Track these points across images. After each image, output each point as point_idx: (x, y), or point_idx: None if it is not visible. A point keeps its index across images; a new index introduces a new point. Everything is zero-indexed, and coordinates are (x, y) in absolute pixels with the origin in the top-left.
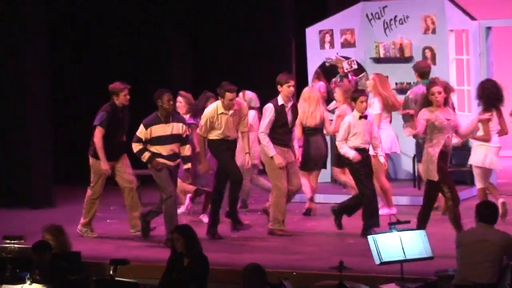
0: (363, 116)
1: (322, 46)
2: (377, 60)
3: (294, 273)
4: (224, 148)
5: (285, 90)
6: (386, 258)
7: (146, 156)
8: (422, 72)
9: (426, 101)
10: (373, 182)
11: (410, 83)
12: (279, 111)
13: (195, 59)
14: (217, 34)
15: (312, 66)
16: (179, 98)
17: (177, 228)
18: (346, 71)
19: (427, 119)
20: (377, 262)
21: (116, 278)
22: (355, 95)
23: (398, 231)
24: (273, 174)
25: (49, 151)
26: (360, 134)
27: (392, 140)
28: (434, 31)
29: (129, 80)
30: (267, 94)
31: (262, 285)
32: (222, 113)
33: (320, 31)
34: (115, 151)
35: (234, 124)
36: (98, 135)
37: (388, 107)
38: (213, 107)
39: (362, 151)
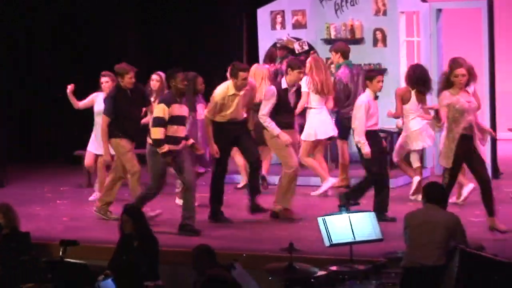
0: (376, 97)
1: (273, 26)
2: (328, 42)
3: (244, 254)
4: (227, 134)
5: (295, 75)
6: (335, 240)
7: (165, 148)
8: (344, 52)
9: (447, 83)
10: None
11: (360, 65)
12: (282, 94)
13: (146, 41)
14: (167, 14)
15: (263, 47)
16: (155, 77)
17: (126, 209)
18: (297, 52)
19: (448, 103)
20: (327, 244)
21: (66, 259)
22: (371, 74)
23: (347, 212)
24: (282, 153)
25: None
26: (375, 114)
27: (326, 124)
28: (385, 13)
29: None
30: (218, 74)
31: (212, 265)
32: (233, 94)
33: (272, 12)
34: (134, 130)
35: (244, 105)
36: (103, 123)
37: (321, 91)
38: (224, 88)
39: (375, 134)
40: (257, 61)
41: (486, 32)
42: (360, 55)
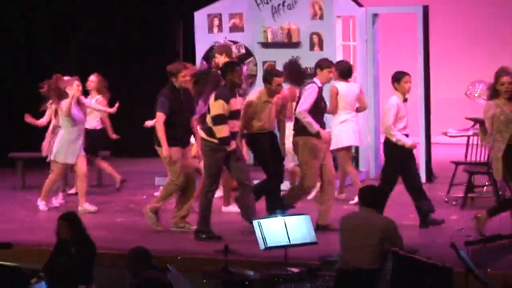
0: (405, 99)
1: (210, 30)
2: (265, 45)
3: (179, 257)
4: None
5: (325, 75)
6: (270, 243)
7: (234, 145)
8: (227, 52)
9: (494, 92)
10: None
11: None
12: (318, 93)
13: (80, 43)
14: (103, 16)
15: (200, 50)
16: (92, 78)
17: (61, 215)
18: (234, 56)
19: (493, 114)
20: (262, 247)
21: None
22: (399, 76)
23: (282, 216)
24: (309, 157)
25: None
26: (404, 117)
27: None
28: (321, 17)
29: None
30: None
31: (147, 268)
32: (266, 101)
33: (209, 15)
34: (185, 137)
35: (275, 113)
36: (159, 121)
37: None
38: (256, 95)
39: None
40: (193, 64)
41: (421, 37)
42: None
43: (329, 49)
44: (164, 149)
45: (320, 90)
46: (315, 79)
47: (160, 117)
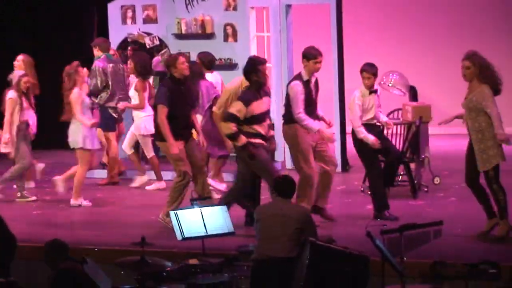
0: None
1: (124, 21)
2: (179, 36)
3: (96, 249)
4: None
5: (311, 65)
6: (188, 233)
7: (243, 140)
8: (102, 46)
9: None
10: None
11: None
12: (306, 87)
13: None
14: (15, 6)
15: (114, 42)
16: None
17: None
18: (148, 47)
19: None
20: (179, 238)
21: None
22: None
23: (199, 207)
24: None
25: None
26: (370, 109)
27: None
28: (235, 8)
29: None
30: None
31: (64, 260)
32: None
33: (122, 6)
34: (186, 130)
35: None
36: (161, 114)
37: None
38: (237, 84)
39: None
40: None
41: (334, 28)
42: (211, 50)
43: (243, 40)
44: (171, 145)
45: (306, 83)
46: (301, 73)
47: (162, 109)
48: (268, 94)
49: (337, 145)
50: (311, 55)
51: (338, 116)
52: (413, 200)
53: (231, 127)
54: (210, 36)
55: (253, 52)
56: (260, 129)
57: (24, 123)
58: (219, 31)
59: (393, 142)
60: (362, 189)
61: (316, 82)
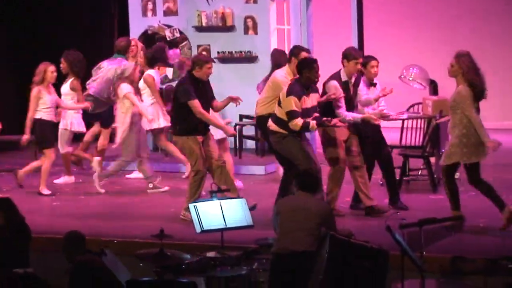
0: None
1: (144, 13)
2: (200, 29)
3: (115, 241)
4: None
5: (352, 66)
6: (207, 226)
7: (314, 124)
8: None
9: None
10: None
11: (232, 52)
12: (344, 87)
13: (10, 24)
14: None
15: (134, 34)
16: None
17: None
18: (168, 39)
19: None
20: (198, 230)
21: None
22: (365, 60)
23: (218, 199)
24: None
25: None
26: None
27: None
28: (255, 1)
29: None
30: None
31: (83, 252)
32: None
33: None
34: (203, 125)
35: None
36: (197, 107)
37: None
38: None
39: None
40: None
41: (355, 21)
42: (231, 42)
43: (263, 33)
44: (224, 127)
45: (345, 84)
46: (340, 73)
47: (195, 103)
48: (316, 90)
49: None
50: (351, 55)
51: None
52: (433, 194)
53: (298, 123)
54: (231, 28)
55: (273, 45)
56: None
57: (137, 115)
58: (239, 23)
59: (414, 136)
60: (381, 182)
61: (356, 82)
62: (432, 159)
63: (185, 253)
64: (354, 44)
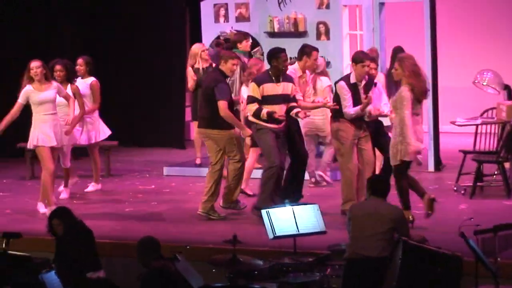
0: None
1: (216, 19)
2: (272, 35)
3: (187, 247)
4: None
5: (359, 69)
6: (279, 232)
7: (265, 113)
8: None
9: None
10: None
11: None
12: (352, 89)
13: (87, 31)
14: (111, 5)
15: (207, 40)
16: (81, 61)
17: (55, 213)
18: None
19: None
20: (271, 236)
21: (9, 252)
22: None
23: (291, 205)
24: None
25: None
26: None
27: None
28: (328, 6)
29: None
30: (161, 66)
31: (156, 258)
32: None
33: (215, 5)
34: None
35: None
36: (224, 108)
37: None
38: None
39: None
40: None
41: (428, 26)
42: None
43: (335, 38)
44: (243, 128)
45: (353, 86)
46: (350, 76)
47: (225, 105)
48: (290, 80)
49: (430, 144)
50: (359, 59)
51: (431, 114)
52: (507, 200)
53: (251, 108)
54: (303, 34)
55: (346, 50)
56: (274, 109)
57: None
58: (311, 29)
59: (487, 141)
60: (455, 188)
61: (369, 85)
62: (507, 165)
63: (257, 259)
64: (428, 49)
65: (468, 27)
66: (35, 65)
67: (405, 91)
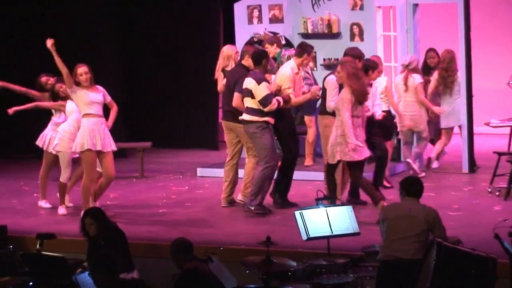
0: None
1: (250, 21)
2: (305, 36)
3: (221, 248)
4: None
5: (369, 76)
6: (313, 233)
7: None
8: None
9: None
10: None
11: (337, 59)
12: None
13: (121, 33)
14: (143, 6)
15: (240, 42)
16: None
17: (88, 212)
18: None
19: None
20: (304, 237)
21: (43, 252)
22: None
23: (325, 206)
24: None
25: None
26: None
27: None
28: (361, 8)
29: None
30: (194, 69)
31: (190, 259)
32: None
33: (248, 6)
34: None
35: None
36: (237, 100)
37: None
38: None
39: None
40: None
41: (462, 27)
42: (337, 49)
43: (369, 40)
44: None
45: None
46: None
47: (237, 97)
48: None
49: (464, 145)
50: (369, 66)
51: (466, 115)
52: None
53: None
54: (336, 35)
55: (380, 52)
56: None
57: None
58: (345, 30)
59: None
60: (489, 190)
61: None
62: None
63: (291, 260)
64: (462, 51)
65: (503, 28)
66: (83, 71)
67: (346, 93)
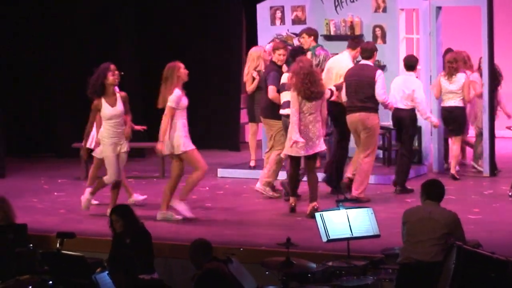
0: None
1: (273, 22)
2: (328, 38)
3: (241, 249)
4: None
5: None
6: (333, 235)
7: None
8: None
9: None
10: None
11: (359, 61)
12: None
13: (142, 33)
14: (166, 8)
15: (263, 42)
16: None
17: (114, 209)
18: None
19: None
20: (324, 239)
21: (63, 251)
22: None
23: (345, 208)
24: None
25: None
26: None
27: None
28: (384, 10)
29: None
30: (218, 69)
31: (209, 260)
32: None
33: (271, 7)
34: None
35: None
36: (273, 92)
37: None
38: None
39: None
40: None
41: (485, 30)
42: None
43: (392, 42)
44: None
45: None
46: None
47: (272, 89)
48: None
49: (485, 149)
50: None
51: (487, 117)
52: None
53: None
54: (359, 37)
55: (402, 54)
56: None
57: None
58: (368, 32)
59: None
60: (510, 193)
61: None
62: None
63: (311, 262)
64: (484, 54)
65: None
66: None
67: (292, 91)
